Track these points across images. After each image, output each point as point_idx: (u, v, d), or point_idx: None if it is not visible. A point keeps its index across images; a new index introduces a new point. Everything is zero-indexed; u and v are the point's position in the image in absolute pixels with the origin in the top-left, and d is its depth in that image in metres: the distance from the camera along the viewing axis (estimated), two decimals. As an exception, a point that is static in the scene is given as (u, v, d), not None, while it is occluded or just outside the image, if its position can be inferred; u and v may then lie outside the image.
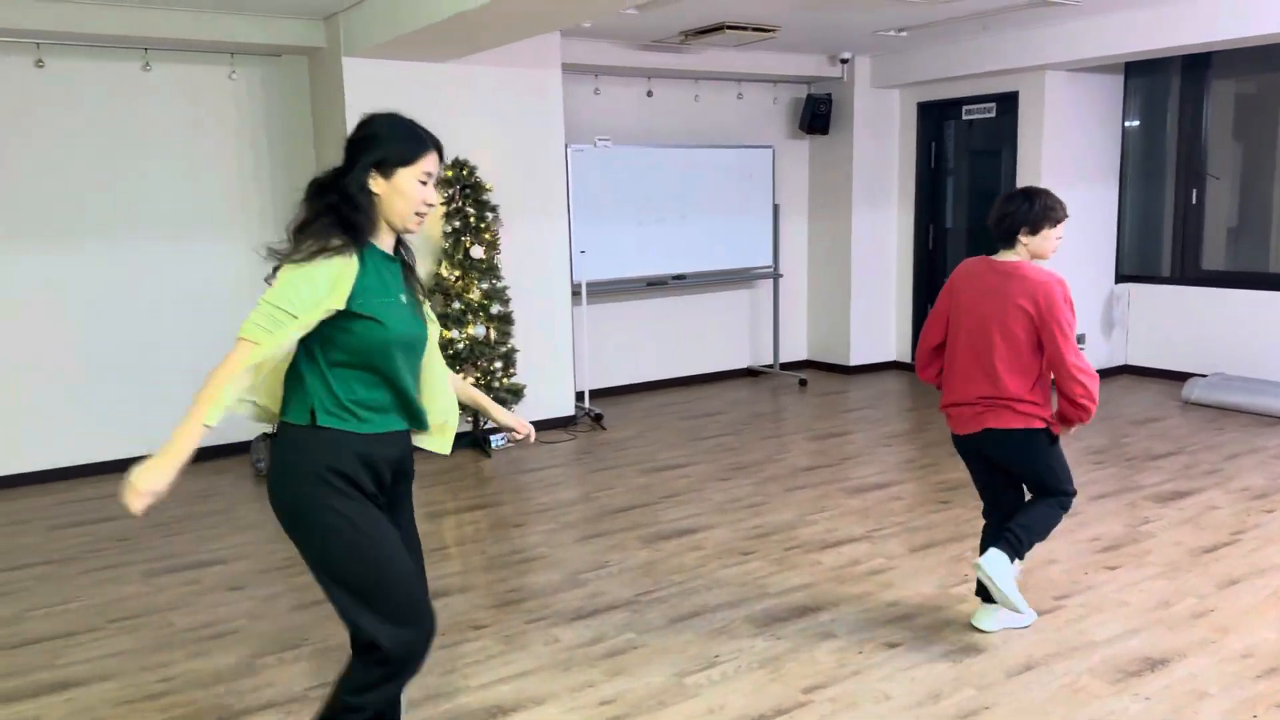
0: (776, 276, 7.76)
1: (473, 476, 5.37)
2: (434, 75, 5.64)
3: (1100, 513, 4.46)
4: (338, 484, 2.03)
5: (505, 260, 5.89)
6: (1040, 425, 3.06)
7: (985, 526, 3.32)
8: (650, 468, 5.42)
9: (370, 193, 2.05)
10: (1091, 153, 7.30)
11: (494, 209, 5.68)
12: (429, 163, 2.08)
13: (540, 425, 6.28)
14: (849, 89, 7.68)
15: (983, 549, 3.20)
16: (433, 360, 2.22)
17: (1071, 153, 7.15)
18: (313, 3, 5.08)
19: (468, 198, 5.55)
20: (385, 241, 2.11)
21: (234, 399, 1.96)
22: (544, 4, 4.19)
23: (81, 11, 4.88)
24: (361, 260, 2.03)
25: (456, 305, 5.54)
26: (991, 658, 3.10)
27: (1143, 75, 7.37)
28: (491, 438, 5.86)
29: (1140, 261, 7.58)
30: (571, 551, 4.16)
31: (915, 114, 7.81)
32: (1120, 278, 7.56)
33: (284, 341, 1.95)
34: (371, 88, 5.43)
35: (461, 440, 5.85)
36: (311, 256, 1.97)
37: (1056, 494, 3.12)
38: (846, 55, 7.48)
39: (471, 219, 5.55)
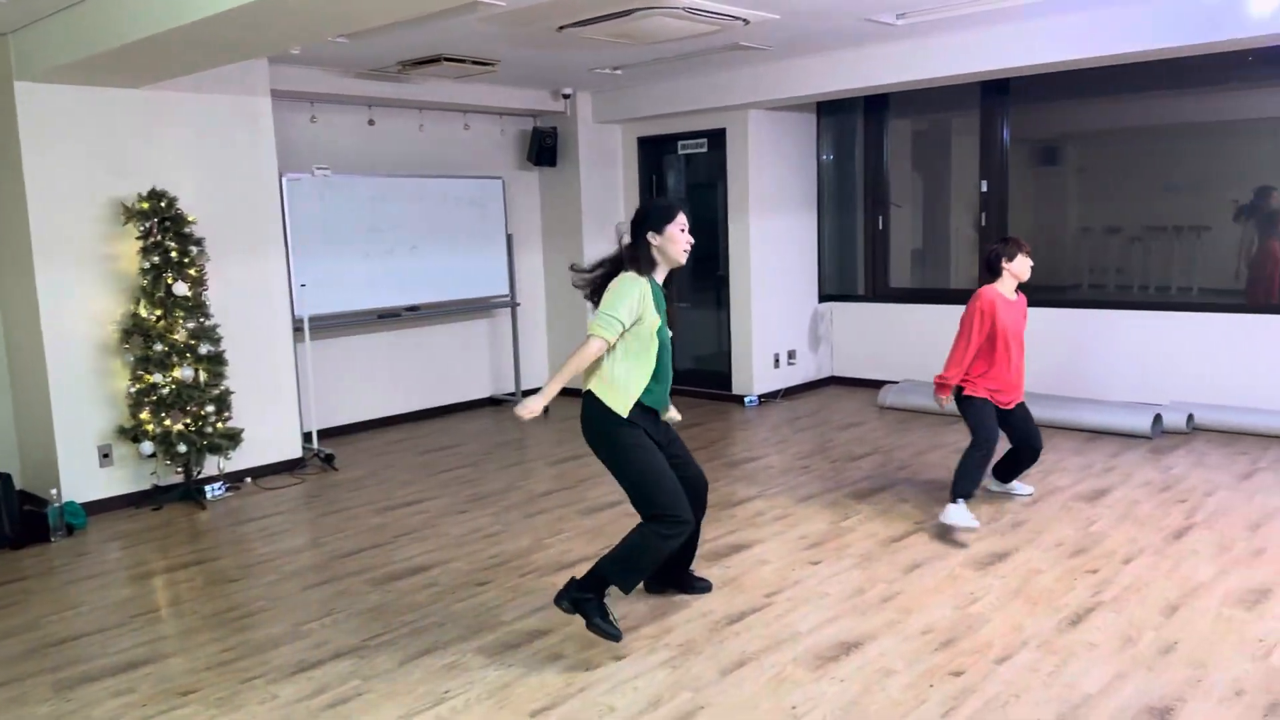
0: (514, 305, 7.82)
1: (185, 531, 4.97)
2: (125, 101, 5.22)
3: (808, 512, 4.85)
4: (633, 425, 3.35)
5: (215, 296, 5.54)
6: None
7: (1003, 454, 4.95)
8: (385, 506, 5.27)
9: (649, 244, 3.41)
10: (793, 184, 7.96)
11: (199, 242, 5.32)
12: (682, 218, 3.43)
13: (265, 470, 5.94)
14: (573, 123, 7.91)
15: (999, 471, 4.96)
16: (668, 355, 3.49)
17: (775, 184, 7.76)
18: (-29, 18, 4.56)
19: (167, 231, 5.17)
20: (660, 274, 3.47)
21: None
22: (239, 31, 4.01)
23: None
24: (651, 285, 3.41)
25: (159, 347, 5.13)
26: (709, 660, 3.28)
27: (832, 114, 8.15)
28: (207, 487, 5.46)
29: (839, 282, 8.35)
30: (294, 602, 3.95)
31: (636, 148, 8.18)
32: (823, 297, 8.28)
33: (614, 338, 3.33)
34: (49, 114, 4.95)
35: (170, 492, 5.42)
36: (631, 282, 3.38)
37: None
38: (568, 91, 7.71)
39: (173, 253, 5.17)
